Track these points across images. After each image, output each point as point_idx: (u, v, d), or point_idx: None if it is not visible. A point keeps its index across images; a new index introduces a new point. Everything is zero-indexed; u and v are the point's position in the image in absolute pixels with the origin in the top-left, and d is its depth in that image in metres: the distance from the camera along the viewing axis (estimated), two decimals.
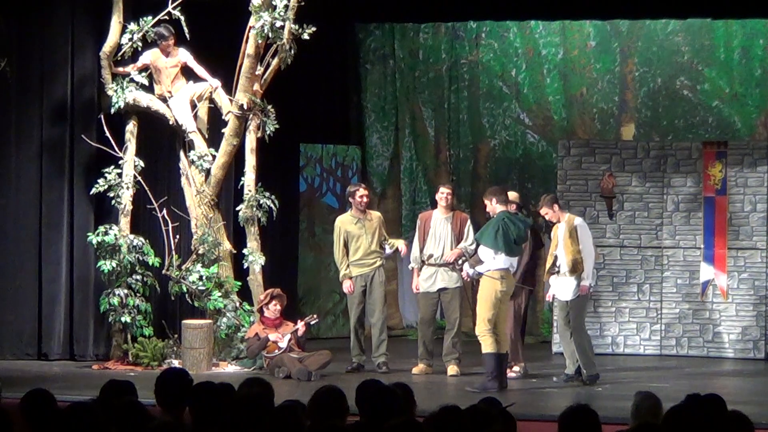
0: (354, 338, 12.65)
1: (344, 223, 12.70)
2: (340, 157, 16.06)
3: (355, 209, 12.62)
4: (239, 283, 12.93)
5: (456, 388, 11.69)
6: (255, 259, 12.81)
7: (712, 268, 13.99)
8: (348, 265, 12.60)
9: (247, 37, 12.61)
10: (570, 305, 11.87)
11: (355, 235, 12.58)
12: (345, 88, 16.41)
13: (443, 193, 12.50)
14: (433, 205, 16.44)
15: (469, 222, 12.49)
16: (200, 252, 12.77)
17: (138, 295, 12.67)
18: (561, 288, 11.90)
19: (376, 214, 12.89)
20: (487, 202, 11.64)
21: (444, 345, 12.40)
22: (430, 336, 12.46)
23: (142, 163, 12.86)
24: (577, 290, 11.75)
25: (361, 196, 12.62)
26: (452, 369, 12.28)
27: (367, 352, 12.65)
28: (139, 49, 12.74)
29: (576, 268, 11.75)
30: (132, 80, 12.76)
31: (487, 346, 11.34)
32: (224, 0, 12.83)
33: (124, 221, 12.74)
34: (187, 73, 12.95)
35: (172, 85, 12.83)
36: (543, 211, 11.98)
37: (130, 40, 12.67)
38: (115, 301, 12.55)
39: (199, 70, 12.83)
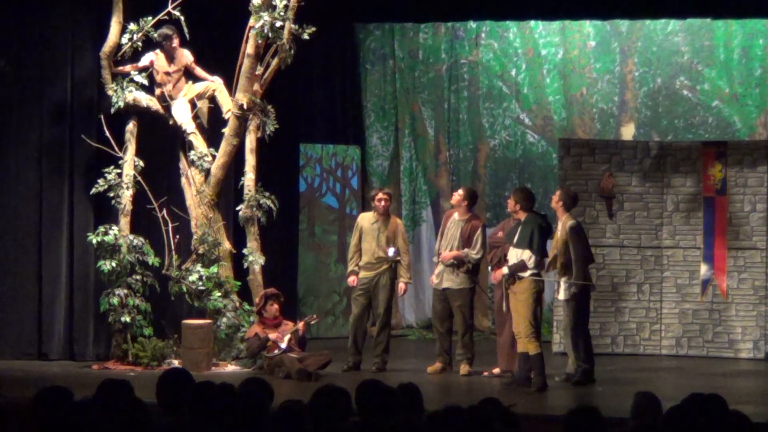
0: (351, 338, 12.68)
1: (363, 219, 12.84)
2: (340, 157, 16.06)
3: (375, 211, 12.69)
4: (239, 283, 12.93)
5: (466, 388, 11.70)
6: (255, 259, 12.82)
7: (712, 268, 13.99)
8: (357, 264, 12.65)
9: (247, 37, 12.61)
10: (565, 305, 11.91)
11: (367, 234, 12.62)
12: (345, 88, 16.40)
13: (454, 196, 12.64)
14: (434, 206, 16.52)
15: (479, 231, 12.41)
16: (200, 252, 12.77)
17: (138, 295, 12.67)
18: (559, 288, 11.94)
19: (396, 222, 12.88)
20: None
21: (456, 346, 12.45)
22: (444, 333, 12.50)
23: (142, 163, 12.86)
24: (569, 292, 11.78)
25: (379, 200, 12.69)
26: (464, 368, 12.33)
27: (366, 353, 12.66)
28: (140, 49, 12.75)
29: (566, 271, 11.77)
30: (132, 80, 12.76)
31: (535, 348, 11.41)
32: (224, 0, 12.85)
33: (124, 221, 12.74)
34: (187, 73, 12.96)
35: (173, 88, 12.83)
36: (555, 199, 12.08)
37: (130, 40, 12.67)
38: (115, 301, 12.55)
39: (200, 72, 12.86)
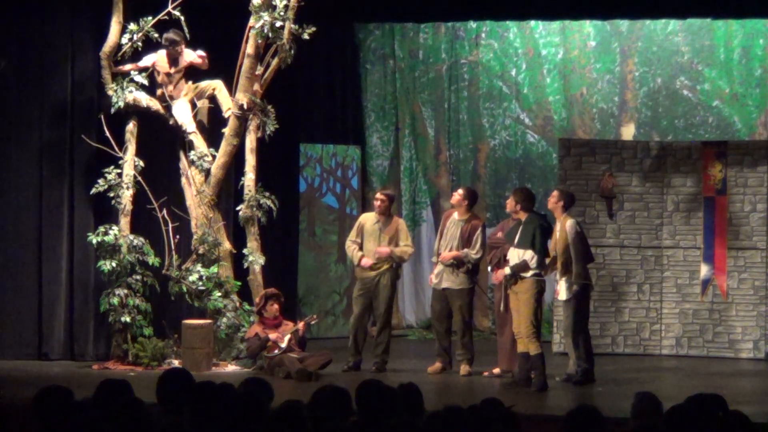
0: (351, 338, 12.67)
1: (365, 218, 12.86)
2: (340, 157, 16.06)
3: (376, 211, 12.71)
4: (239, 283, 12.93)
5: (466, 388, 11.70)
6: (255, 259, 12.81)
7: (712, 268, 13.99)
8: (360, 249, 12.63)
9: (247, 37, 12.61)
10: (566, 305, 11.91)
11: (369, 234, 12.63)
12: (345, 88, 16.41)
13: (454, 195, 12.59)
14: (434, 206, 16.50)
15: (479, 231, 12.42)
16: (200, 252, 12.77)
17: (138, 295, 12.67)
18: (560, 288, 11.95)
19: (398, 221, 12.88)
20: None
21: (457, 345, 12.45)
22: (443, 332, 12.50)
23: (142, 163, 12.86)
24: (571, 291, 11.77)
25: (376, 200, 12.71)
26: (464, 369, 12.33)
27: (367, 353, 12.66)
28: (140, 49, 12.75)
29: (567, 270, 11.77)
30: (132, 80, 12.76)
31: (536, 348, 11.42)
32: (224, 0, 12.85)
33: (124, 221, 12.74)
34: (187, 73, 12.96)
35: (174, 89, 12.84)
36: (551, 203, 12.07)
37: (130, 40, 12.68)
38: (115, 301, 12.55)
39: (195, 59, 12.79)
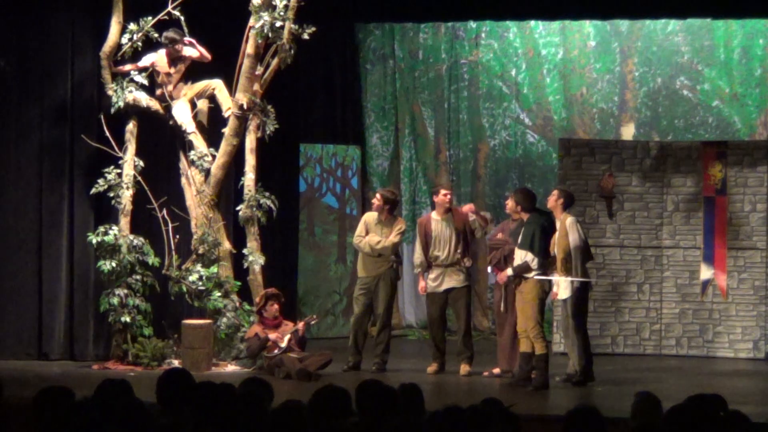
0: (351, 338, 12.67)
1: (369, 216, 12.85)
2: (340, 157, 16.06)
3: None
4: (239, 283, 12.93)
5: (466, 388, 11.70)
6: (255, 259, 12.82)
7: (712, 268, 13.99)
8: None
9: (247, 37, 12.62)
10: (565, 304, 11.90)
11: (372, 231, 12.64)
12: (345, 88, 16.41)
13: (443, 196, 12.53)
14: (434, 206, 16.51)
15: (473, 215, 12.50)
16: (200, 252, 12.77)
17: (138, 295, 12.67)
18: (559, 287, 11.93)
19: (399, 221, 12.89)
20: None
21: (457, 345, 12.44)
22: (441, 335, 12.51)
23: (142, 163, 12.86)
24: (571, 289, 11.76)
25: (373, 201, 12.73)
26: (464, 368, 12.32)
27: (367, 353, 12.66)
28: (140, 49, 12.75)
29: (567, 267, 11.77)
30: (132, 80, 12.77)
31: (541, 347, 11.45)
32: (224, 0, 12.85)
33: (124, 221, 12.75)
34: (188, 72, 12.96)
35: (174, 88, 12.84)
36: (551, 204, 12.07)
37: (130, 40, 12.68)
38: (115, 301, 12.55)
39: (195, 53, 12.77)
